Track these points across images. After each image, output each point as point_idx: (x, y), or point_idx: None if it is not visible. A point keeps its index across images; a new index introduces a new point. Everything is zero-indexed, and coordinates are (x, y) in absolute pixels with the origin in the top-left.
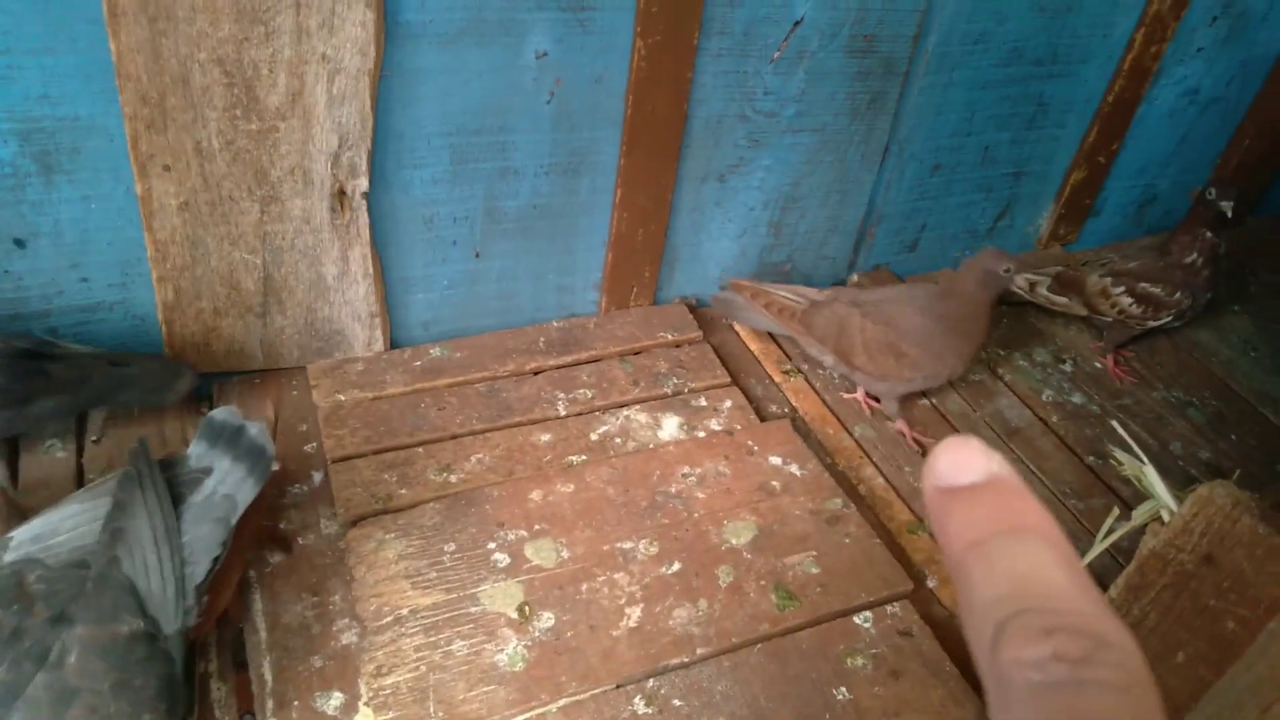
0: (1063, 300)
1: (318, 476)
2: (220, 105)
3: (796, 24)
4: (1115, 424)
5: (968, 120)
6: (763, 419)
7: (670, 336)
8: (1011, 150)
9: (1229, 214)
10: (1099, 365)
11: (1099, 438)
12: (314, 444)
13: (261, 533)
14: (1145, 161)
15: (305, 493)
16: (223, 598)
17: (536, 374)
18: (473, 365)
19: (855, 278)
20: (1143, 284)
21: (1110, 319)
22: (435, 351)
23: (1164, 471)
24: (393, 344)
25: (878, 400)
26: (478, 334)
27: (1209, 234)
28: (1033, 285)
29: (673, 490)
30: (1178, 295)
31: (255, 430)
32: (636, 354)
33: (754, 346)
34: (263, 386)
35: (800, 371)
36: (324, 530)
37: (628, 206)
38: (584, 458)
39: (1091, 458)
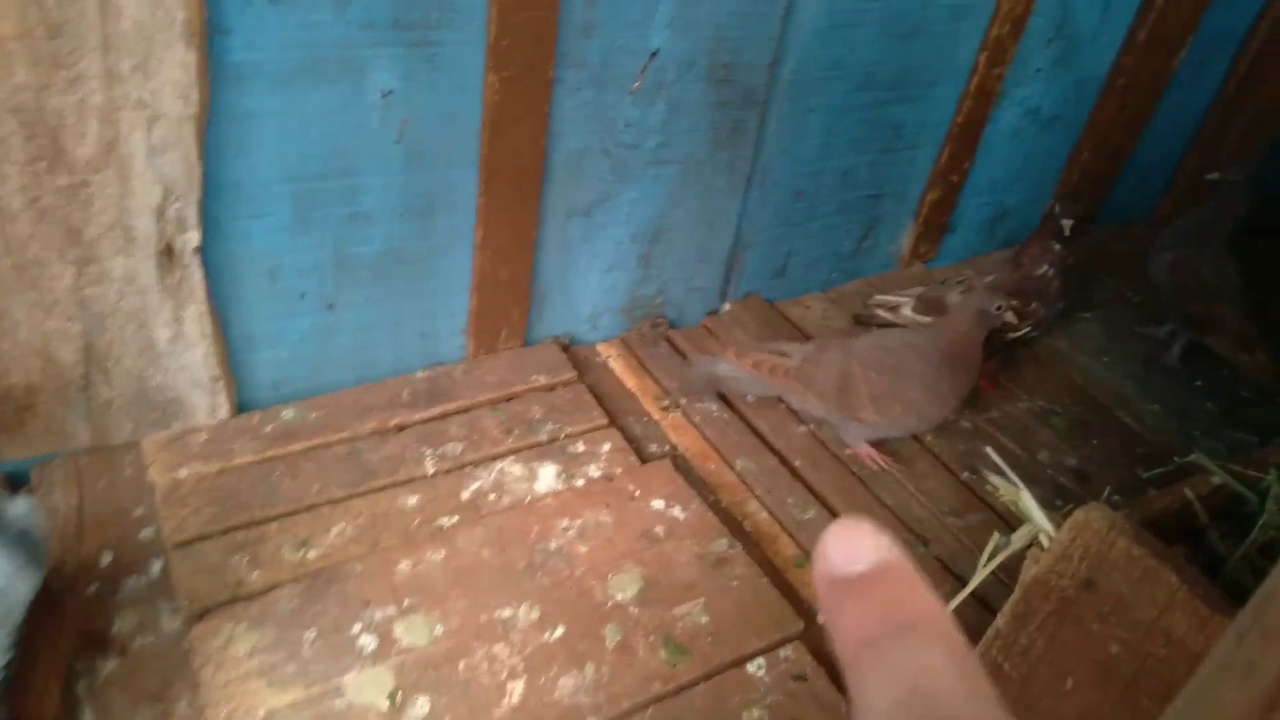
0: (928, 320)
1: (157, 566)
2: (20, 159)
3: (653, 55)
4: (989, 450)
5: (827, 146)
6: (643, 460)
7: (543, 379)
8: (870, 173)
9: (1066, 231)
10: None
11: (971, 453)
12: (152, 528)
13: (83, 637)
14: (995, 179)
15: (142, 586)
16: (31, 715)
17: (401, 430)
18: (330, 426)
19: (728, 307)
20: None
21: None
22: (288, 414)
23: (1033, 481)
24: (240, 409)
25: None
26: (335, 391)
27: (1057, 246)
28: (896, 308)
29: (553, 547)
30: (1034, 306)
31: (20, 509)
32: (509, 400)
33: (631, 383)
34: (91, 466)
35: (679, 406)
36: (165, 628)
37: (490, 247)
38: (456, 519)
39: (967, 474)
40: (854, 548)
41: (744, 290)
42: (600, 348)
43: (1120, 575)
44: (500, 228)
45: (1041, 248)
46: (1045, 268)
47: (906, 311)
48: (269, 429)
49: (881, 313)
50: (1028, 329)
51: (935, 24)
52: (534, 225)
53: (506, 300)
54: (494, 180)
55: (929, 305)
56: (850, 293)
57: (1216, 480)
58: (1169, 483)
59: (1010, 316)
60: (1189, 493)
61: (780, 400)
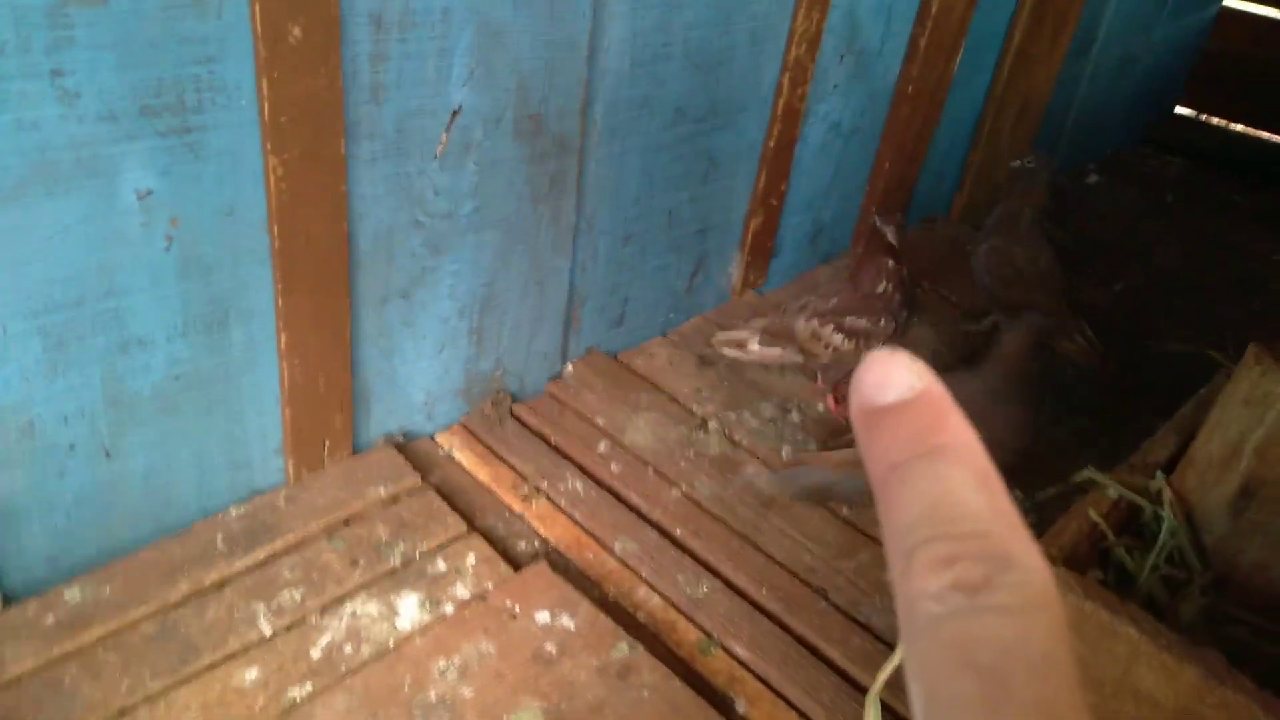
0: (776, 351)
1: None
2: None
3: (455, 114)
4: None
5: (648, 185)
6: (515, 565)
7: (383, 490)
8: (694, 208)
9: (891, 239)
10: (822, 407)
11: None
12: None
13: None
14: (809, 196)
15: None
16: None
17: (222, 587)
18: (131, 599)
19: (570, 368)
20: (849, 318)
21: (826, 360)
22: (73, 594)
23: None
24: (8, 598)
25: None
26: (130, 553)
27: (890, 262)
28: (743, 344)
29: (433, 698)
30: (883, 323)
31: None
32: (347, 524)
33: (483, 475)
34: None
35: (540, 491)
36: None
37: (298, 352)
38: (310, 687)
39: (846, 509)
40: (887, 377)
41: (585, 346)
42: (441, 439)
43: (1075, 635)
44: (307, 328)
45: (876, 265)
46: (884, 284)
47: (754, 346)
48: (51, 619)
49: (728, 351)
50: (879, 346)
51: (737, 51)
52: (346, 319)
53: (326, 407)
54: (292, 277)
55: (776, 336)
56: (691, 332)
57: (1112, 494)
58: (1060, 502)
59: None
60: (1094, 514)
61: (649, 463)
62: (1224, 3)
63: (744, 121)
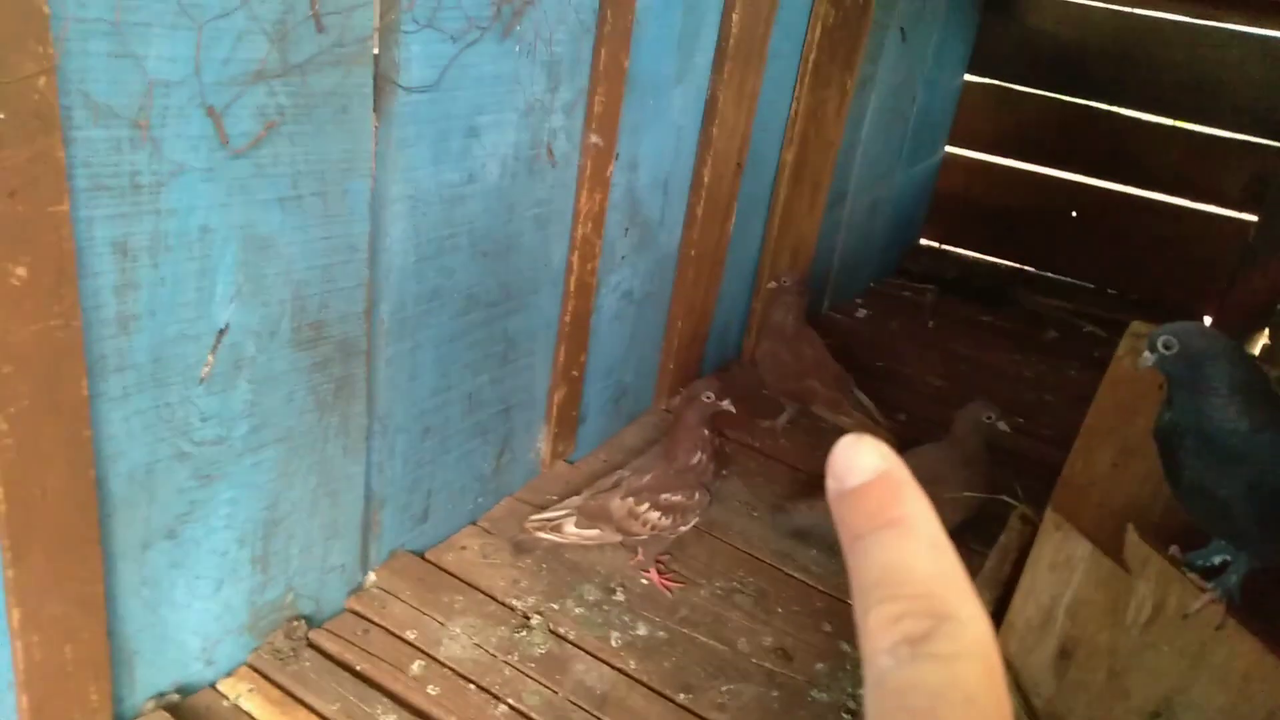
0: (594, 532)
1: None
2: None
3: (221, 333)
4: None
5: (444, 376)
6: None
7: None
8: (494, 390)
9: (712, 402)
10: (646, 581)
11: (678, 668)
12: None
13: None
14: (610, 363)
15: None
16: None
17: None
18: None
19: (373, 577)
20: (664, 495)
21: (646, 536)
22: None
23: (745, 678)
24: None
25: None
26: None
27: (706, 431)
28: (558, 526)
29: None
30: (698, 496)
31: None
32: None
33: None
34: None
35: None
36: None
37: (38, 626)
38: None
39: (682, 695)
40: (854, 462)
41: (388, 550)
42: (225, 686)
43: None
44: (47, 597)
45: (692, 437)
46: (699, 455)
47: (570, 528)
48: None
49: (545, 535)
50: (695, 519)
51: (524, 235)
52: (98, 575)
53: (77, 681)
54: (25, 542)
55: (591, 515)
56: (502, 516)
57: None
58: None
59: (1003, 426)
60: None
61: (469, 679)
62: (946, 149)
63: (538, 300)
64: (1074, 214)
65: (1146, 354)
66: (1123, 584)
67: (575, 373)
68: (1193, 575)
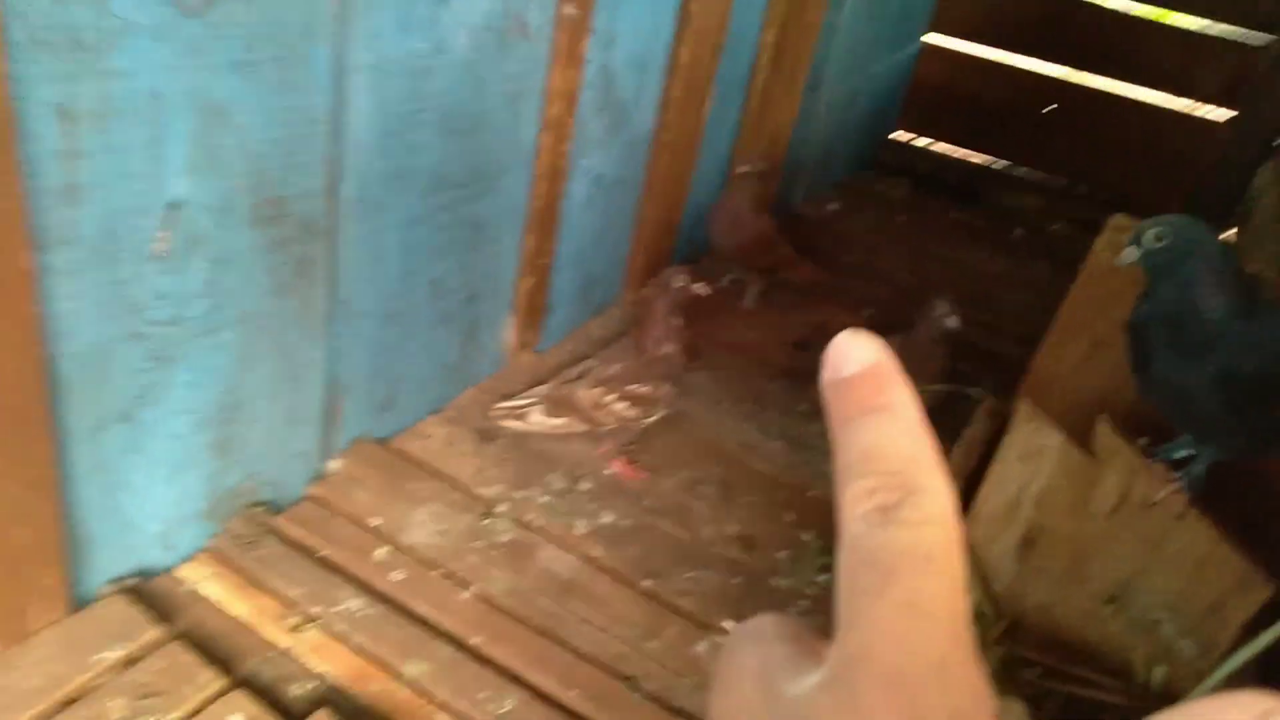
0: (560, 421)
1: None
2: None
3: (174, 208)
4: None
5: (409, 260)
6: (290, 716)
7: (117, 652)
8: (460, 277)
9: (694, 290)
10: (612, 471)
11: (643, 555)
12: None
13: None
14: (579, 251)
15: None
16: None
17: None
18: None
19: (334, 464)
20: (632, 386)
21: (613, 426)
22: None
23: (706, 566)
24: None
25: None
26: None
27: (676, 320)
28: (524, 414)
29: None
30: (666, 388)
31: None
32: (69, 705)
33: (241, 609)
34: None
35: (312, 618)
36: None
37: None
38: None
39: (647, 581)
40: (848, 354)
41: (349, 437)
42: (184, 572)
43: None
44: None
45: (660, 327)
46: (667, 346)
47: (537, 416)
48: None
49: (510, 423)
50: (663, 411)
51: (495, 113)
52: (49, 459)
53: (29, 565)
54: None
55: (558, 405)
56: (468, 404)
57: None
58: None
59: (952, 323)
60: None
61: (435, 565)
62: (924, 39)
63: (507, 183)
64: (1053, 107)
65: (1130, 249)
66: (1091, 474)
67: (544, 261)
68: (1159, 465)
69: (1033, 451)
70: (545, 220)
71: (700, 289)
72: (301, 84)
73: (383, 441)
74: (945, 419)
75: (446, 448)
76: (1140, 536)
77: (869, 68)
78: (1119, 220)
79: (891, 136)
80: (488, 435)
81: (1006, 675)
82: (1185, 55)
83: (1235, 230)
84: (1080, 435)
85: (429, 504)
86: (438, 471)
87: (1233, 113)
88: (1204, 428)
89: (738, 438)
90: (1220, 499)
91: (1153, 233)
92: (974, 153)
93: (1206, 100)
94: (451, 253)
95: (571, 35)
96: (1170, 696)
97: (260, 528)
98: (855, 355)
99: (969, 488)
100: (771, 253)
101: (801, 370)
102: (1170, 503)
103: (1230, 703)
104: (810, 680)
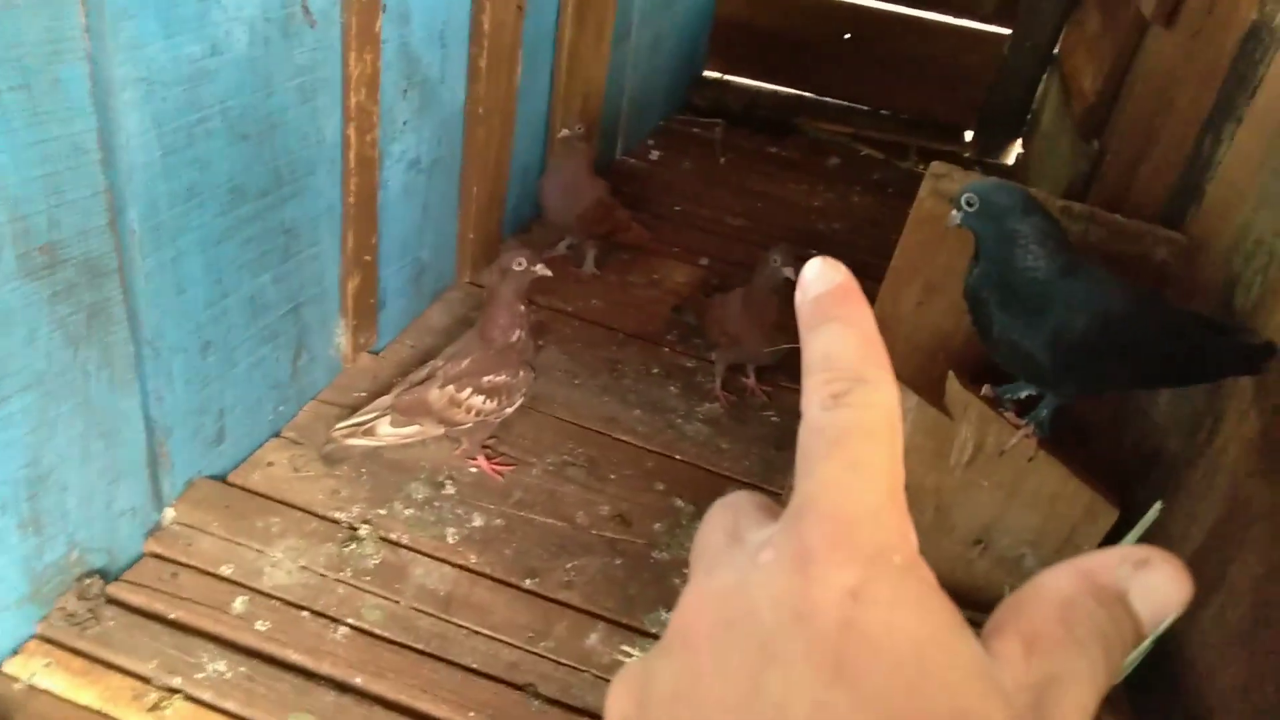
0: (413, 429)
1: None
2: None
3: None
4: None
5: (218, 282)
6: None
7: None
8: (279, 288)
9: (536, 271)
10: (475, 470)
11: (520, 553)
12: None
13: None
14: (404, 241)
15: None
16: None
17: None
18: None
19: (172, 513)
20: (487, 377)
21: (469, 422)
22: None
23: (588, 551)
24: None
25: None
26: None
27: (522, 307)
28: (371, 429)
29: None
30: (521, 374)
31: None
32: None
33: (87, 696)
34: None
35: (174, 692)
36: None
37: None
38: None
39: (528, 580)
40: (818, 276)
41: (182, 482)
42: (13, 667)
43: None
44: None
45: (506, 314)
46: (516, 333)
47: (386, 429)
48: None
49: (356, 441)
50: (521, 398)
51: (289, 110)
52: None
53: None
54: None
55: (408, 411)
56: (309, 422)
57: None
58: None
59: (788, 273)
60: None
61: (301, 606)
62: None
63: (315, 183)
64: (846, 36)
65: (953, 213)
66: (946, 429)
67: (368, 257)
68: (1008, 414)
69: None
70: (363, 215)
71: (541, 270)
72: (56, 111)
73: (221, 479)
74: (795, 367)
75: (293, 474)
76: (997, 482)
77: (672, 9)
78: (937, 167)
79: (706, 75)
80: (333, 457)
81: None
82: None
83: (1022, 141)
84: (923, 374)
85: (284, 539)
86: (287, 501)
87: (1007, 30)
88: (1045, 379)
89: (598, 412)
90: (1061, 439)
91: (964, 197)
92: (783, 86)
93: (985, 20)
94: (266, 265)
95: (363, 16)
96: None
97: (95, 600)
98: (824, 275)
99: None
100: (609, 218)
101: (653, 336)
102: (1022, 448)
103: (1116, 552)
104: (768, 529)
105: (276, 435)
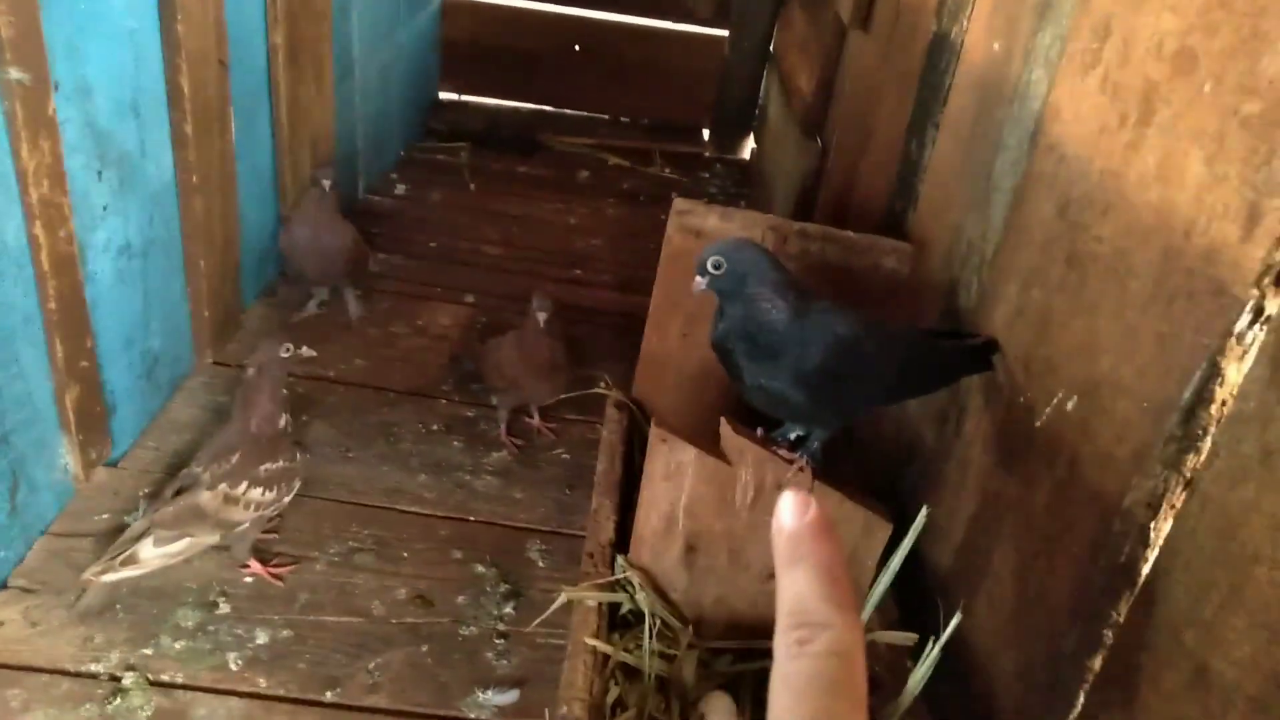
0: (184, 543)
1: None
2: None
3: None
4: None
5: None
6: None
7: None
8: None
9: (303, 354)
10: (251, 579)
11: (315, 664)
12: None
13: None
14: (127, 335)
15: None
16: None
17: None
18: None
19: None
20: (264, 467)
21: (248, 520)
22: None
23: (386, 644)
24: None
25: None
26: None
27: (283, 391)
28: (132, 557)
29: None
30: (298, 456)
31: None
32: None
33: None
34: None
35: None
36: None
37: None
38: None
39: (329, 693)
40: (790, 510)
41: None
42: None
43: None
44: None
45: (270, 402)
46: (283, 417)
47: (149, 551)
48: None
49: (115, 576)
50: (299, 483)
51: None
52: None
53: None
54: None
55: (176, 523)
56: (42, 564)
57: (592, 603)
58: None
59: (546, 314)
60: (590, 642)
61: None
62: None
63: (3, 295)
64: (577, 48)
65: (698, 278)
66: (727, 475)
67: (85, 363)
68: (781, 452)
69: (672, 470)
70: (70, 318)
71: (307, 353)
72: None
73: None
74: (584, 412)
75: (30, 629)
76: None
77: (394, 37)
78: (680, 204)
79: (443, 97)
80: (88, 610)
81: (705, 672)
82: None
83: (754, 136)
84: (696, 402)
85: (31, 712)
86: (28, 665)
87: (725, 32)
88: (804, 415)
89: (379, 484)
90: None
91: (710, 261)
92: (523, 103)
93: (705, 24)
94: None
95: (29, 99)
96: None
97: None
98: (794, 513)
99: (626, 494)
100: (361, 259)
101: (426, 389)
102: (800, 481)
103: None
104: None
105: (3, 587)
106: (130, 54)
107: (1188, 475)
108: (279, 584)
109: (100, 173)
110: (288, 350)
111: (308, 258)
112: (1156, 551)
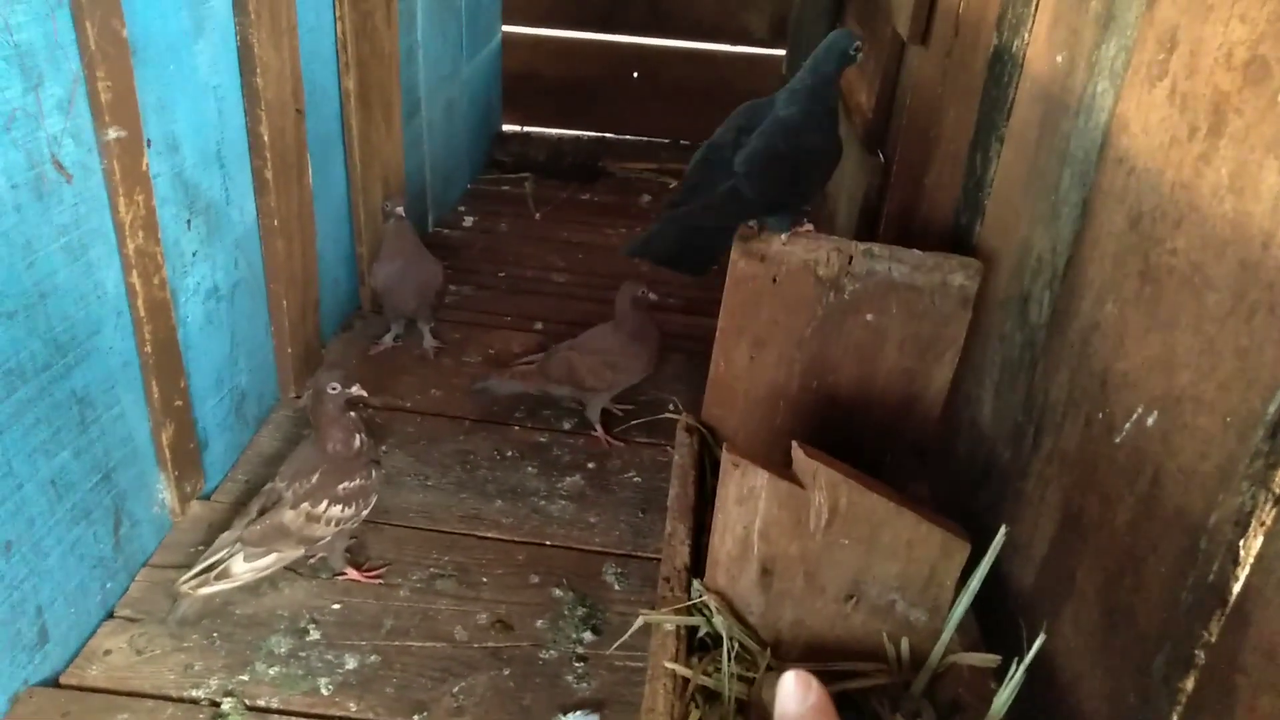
0: (271, 558)
1: None
2: None
3: None
4: None
5: (9, 475)
6: None
7: None
8: (81, 462)
9: (352, 393)
10: (339, 606)
11: (402, 688)
12: None
13: None
14: (217, 374)
15: None
16: None
17: None
18: None
19: None
20: (341, 485)
21: (329, 535)
22: None
23: (469, 668)
24: None
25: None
26: None
27: (352, 414)
28: (225, 570)
29: None
30: (374, 474)
31: None
32: None
33: None
34: None
35: None
36: None
37: None
38: None
39: (416, 716)
40: (793, 695)
41: (6, 700)
42: None
43: None
44: None
45: (341, 426)
46: (357, 439)
47: (240, 565)
48: None
49: (209, 589)
50: (375, 498)
51: (57, 273)
52: None
53: None
54: None
55: (263, 540)
56: (145, 593)
57: (670, 628)
58: None
59: (652, 296)
60: (670, 666)
61: None
62: (502, 30)
63: (104, 341)
64: (635, 75)
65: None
66: (800, 498)
67: (179, 402)
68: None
69: (746, 494)
70: (165, 360)
71: (357, 391)
72: None
73: (53, 683)
74: (654, 435)
75: (136, 657)
76: (856, 539)
77: (458, 75)
78: (744, 230)
79: (506, 129)
80: (187, 620)
81: None
82: (734, 6)
83: None
84: (766, 424)
85: None
86: (134, 691)
87: (783, 51)
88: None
89: (457, 511)
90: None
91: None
92: (584, 131)
93: (760, 45)
94: (62, 442)
95: (125, 157)
96: (918, 660)
97: None
98: (797, 697)
99: (699, 517)
100: (442, 291)
101: (497, 414)
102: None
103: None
104: None
105: (110, 617)
106: (214, 108)
107: (1277, 492)
108: (377, 583)
109: (189, 221)
110: (335, 388)
111: (399, 292)
112: (1247, 570)
